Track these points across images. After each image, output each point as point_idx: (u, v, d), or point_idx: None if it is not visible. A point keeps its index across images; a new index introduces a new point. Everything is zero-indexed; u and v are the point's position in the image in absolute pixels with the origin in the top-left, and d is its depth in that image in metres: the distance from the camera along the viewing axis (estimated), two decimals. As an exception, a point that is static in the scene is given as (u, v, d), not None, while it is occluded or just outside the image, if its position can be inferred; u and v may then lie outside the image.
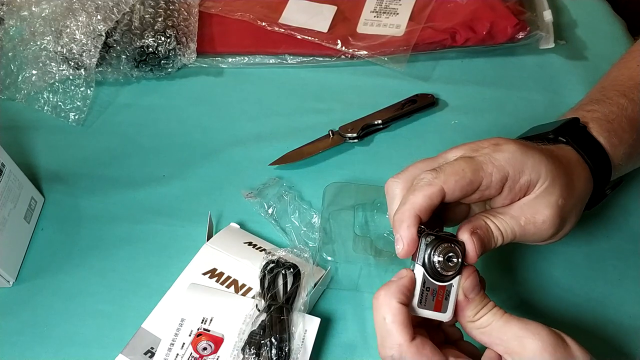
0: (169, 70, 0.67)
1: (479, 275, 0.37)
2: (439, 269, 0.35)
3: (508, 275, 0.50)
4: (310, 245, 0.51)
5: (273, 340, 0.41)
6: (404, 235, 0.36)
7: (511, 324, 0.35)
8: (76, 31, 0.64)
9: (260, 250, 0.50)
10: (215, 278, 0.48)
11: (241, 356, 0.42)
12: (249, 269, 0.48)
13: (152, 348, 0.44)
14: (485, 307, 0.36)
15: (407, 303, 0.35)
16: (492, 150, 0.38)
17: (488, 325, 0.36)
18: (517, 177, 0.38)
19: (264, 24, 0.70)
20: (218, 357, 0.43)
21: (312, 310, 0.48)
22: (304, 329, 0.43)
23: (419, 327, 0.38)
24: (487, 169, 0.37)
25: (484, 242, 0.38)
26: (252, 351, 0.41)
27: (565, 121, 0.45)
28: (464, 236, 0.37)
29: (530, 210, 0.39)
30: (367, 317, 0.48)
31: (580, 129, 0.45)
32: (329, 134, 0.60)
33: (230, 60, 0.69)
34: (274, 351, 0.41)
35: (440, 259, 0.35)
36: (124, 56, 0.65)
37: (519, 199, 0.39)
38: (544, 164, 0.39)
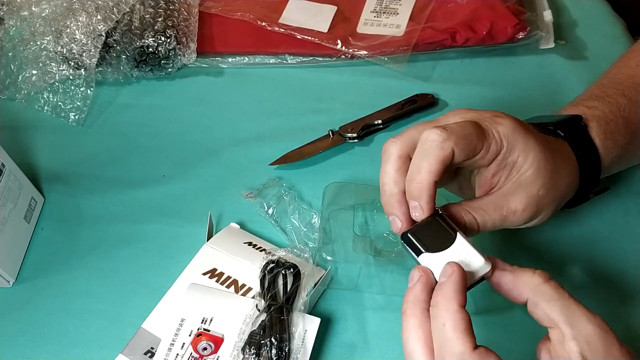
0: (169, 70, 0.67)
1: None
2: None
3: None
4: (310, 245, 0.51)
5: (273, 340, 0.41)
6: (425, 206, 0.36)
7: (580, 306, 0.33)
8: (76, 31, 0.64)
9: (260, 250, 0.50)
10: (215, 278, 0.48)
11: (241, 356, 0.42)
12: (249, 269, 0.48)
13: (152, 348, 0.44)
14: (541, 271, 0.34)
15: (465, 304, 0.32)
16: (494, 121, 0.38)
17: (562, 297, 0.33)
18: (507, 153, 0.38)
19: (264, 24, 0.70)
20: (218, 357, 0.43)
21: (312, 310, 0.48)
22: (304, 329, 0.43)
23: None
24: (489, 137, 0.37)
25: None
26: (252, 351, 0.41)
27: (567, 117, 0.45)
28: None
29: (512, 199, 0.39)
30: (367, 317, 0.48)
31: (580, 127, 0.45)
32: (329, 134, 0.60)
33: (230, 60, 0.69)
34: (274, 351, 0.41)
35: None
36: (124, 56, 0.65)
37: (497, 182, 0.40)
38: (534, 151, 0.39)
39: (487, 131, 0.37)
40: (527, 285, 0.34)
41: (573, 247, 0.51)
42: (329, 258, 0.49)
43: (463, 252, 0.36)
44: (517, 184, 0.39)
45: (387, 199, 0.39)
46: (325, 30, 0.69)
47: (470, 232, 0.39)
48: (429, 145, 0.36)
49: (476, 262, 0.35)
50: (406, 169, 0.39)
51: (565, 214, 0.50)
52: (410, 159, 0.39)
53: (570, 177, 0.42)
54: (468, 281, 0.34)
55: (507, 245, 0.51)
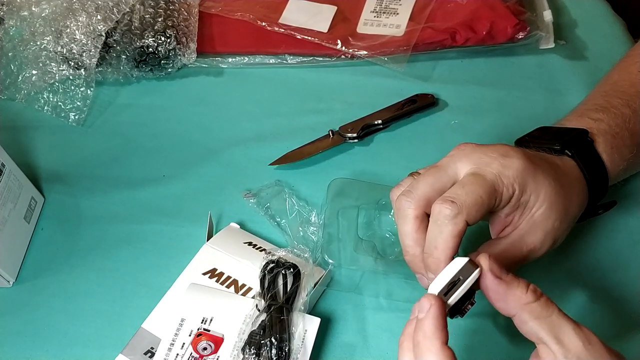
0: (169, 70, 0.67)
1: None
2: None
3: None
4: (310, 245, 0.51)
5: (273, 340, 0.41)
6: None
7: (569, 323, 0.32)
8: (76, 31, 0.64)
9: (260, 250, 0.50)
10: (215, 278, 0.48)
11: (241, 356, 0.42)
12: (249, 269, 0.48)
13: (152, 348, 0.44)
14: (534, 286, 0.33)
15: (447, 340, 0.31)
16: (501, 165, 0.38)
17: (550, 315, 0.32)
18: (519, 195, 0.38)
19: (264, 24, 0.70)
20: (218, 357, 0.43)
21: (312, 310, 0.48)
22: (304, 329, 0.43)
23: None
24: (499, 189, 0.37)
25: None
26: (252, 351, 0.41)
27: (573, 133, 0.45)
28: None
29: (530, 238, 0.39)
30: (367, 317, 0.48)
31: (587, 144, 0.45)
32: (329, 134, 0.60)
33: (230, 60, 0.69)
34: (274, 351, 0.41)
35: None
36: (124, 56, 0.65)
37: (511, 221, 0.40)
38: (544, 187, 0.39)
39: (497, 184, 0.37)
40: (517, 302, 0.33)
41: (572, 249, 0.51)
42: (330, 261, 0.49)
43: (452, 267, 0.35)
44: (531, 223, 0.39)
45: (411, 258, 0.40)
46: (325, 30, 0.69)
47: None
48: (442, 220, 0.37)
49: (466, 270, 0.34)
50: (425, 227, 0.39)
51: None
52: (427, 215, 0.39)
53: (579, 198, 0.43)
54: (462, 291, 0.34)
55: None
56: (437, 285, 0.34)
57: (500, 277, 0.33)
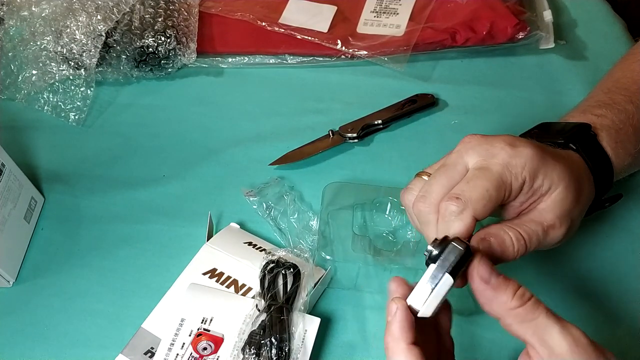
0: (169, 70, 0.67)
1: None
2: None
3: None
4: (308, 246, 0.51)
5: (273, 340, 0.41)
6: None
7: (555, 324, 0.32)
8: (76, 31, 0.64)
9: (260, 250, 0.50)
10: (215, 278, 0.48)
11: (241, 356, 0.42)
12: (249, 269, 0.48)
13: (152, 348, 0.44)
14: (523, 290, 0.33)
15: (414, 340, 0.32)
16: (508, 155, 0.38)
17: (535, 318, 0.32)
18: (531, 182, 0.38)
19: (264, 24, 0.70)
20: (218, 357, 0.43)
21: (312, 310, 0.48)
22: (304, 329, 0.43)
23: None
24: (507, 180, 0.37)
25: (494, 250, 0.37)
26: (252, 351, 0.41)
27: (576, 127, 0.45)
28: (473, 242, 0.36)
29: (549, 215, 0.39)
30: (367, 316, 0.48)
31: (590, 137, 0.45)
32: (329, 134, 0.60)
33: (230, 60, 0.69)
34: (274, 351, 0.41)
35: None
36: (124, 56, 0.65)
37: (527, 207, 0.39)
38: (556, 172, 0.38)
39: (504, 175, 0.37)
40: (501, 307, 0.33)
41: (572, 248, 0.51)
42: (328, 257, 0.49)
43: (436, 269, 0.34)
44: (549, 202, 0.39)
45: None
46: (325, 30, 0.69)
47: (519, 251, 0.38)
48: (448, 217, 0.36)
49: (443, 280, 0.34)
50: None
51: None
52: None
53: (588, 188, 0.42)
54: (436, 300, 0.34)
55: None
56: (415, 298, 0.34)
57: (489, 282, 0.33)
